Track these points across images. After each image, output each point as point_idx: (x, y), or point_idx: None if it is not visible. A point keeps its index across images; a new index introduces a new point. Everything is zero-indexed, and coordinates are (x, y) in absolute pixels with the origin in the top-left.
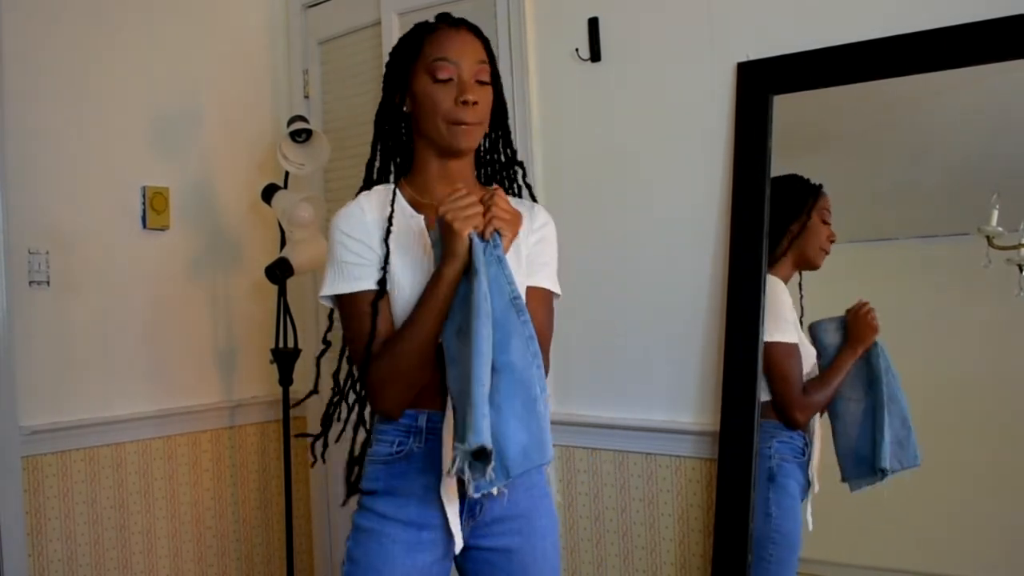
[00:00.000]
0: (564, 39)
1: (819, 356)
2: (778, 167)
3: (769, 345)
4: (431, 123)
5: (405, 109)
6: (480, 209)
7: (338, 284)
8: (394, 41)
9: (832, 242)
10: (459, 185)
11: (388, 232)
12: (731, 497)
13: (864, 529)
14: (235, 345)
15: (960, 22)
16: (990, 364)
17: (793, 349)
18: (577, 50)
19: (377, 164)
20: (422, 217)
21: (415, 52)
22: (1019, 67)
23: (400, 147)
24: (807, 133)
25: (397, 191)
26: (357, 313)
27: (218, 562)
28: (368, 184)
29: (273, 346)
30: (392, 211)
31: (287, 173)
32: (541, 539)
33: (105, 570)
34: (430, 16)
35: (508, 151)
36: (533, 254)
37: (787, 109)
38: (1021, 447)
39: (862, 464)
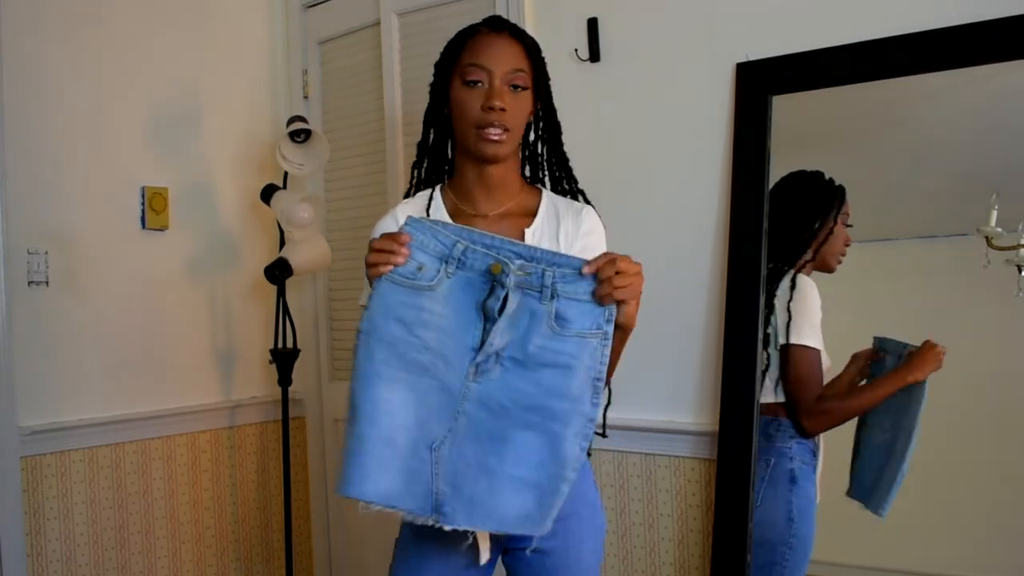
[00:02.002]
0: (563, 39)
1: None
2: (778, 167)
3: (793, 348)
4: (462, 128)
5: (445, 111)
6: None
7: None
8: (394, 41)
9: (847, 246)
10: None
11: None
12: (730, 497)
13: (864, 529)
14: (234, 345)
15: (960, 22)
16: (990, 364)
17: (817, 356)
18: (576, 50)
19: (418, 167)
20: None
21: (455, 56)
22: (1019, 67)
23: (442, 150)
24: (807, 133)
25: (436, 195)
26: None
27: (217, 562)
28: (415, 188)
29: (272, 346)
30: (427, 215)
31: (286, 173)
32: (578, 542)
33: (104, 570)
34: (428, 16)
35: (554, 154)
36: None
37: (787, 109)
38: (1021, 447)
39: (875, 491)
